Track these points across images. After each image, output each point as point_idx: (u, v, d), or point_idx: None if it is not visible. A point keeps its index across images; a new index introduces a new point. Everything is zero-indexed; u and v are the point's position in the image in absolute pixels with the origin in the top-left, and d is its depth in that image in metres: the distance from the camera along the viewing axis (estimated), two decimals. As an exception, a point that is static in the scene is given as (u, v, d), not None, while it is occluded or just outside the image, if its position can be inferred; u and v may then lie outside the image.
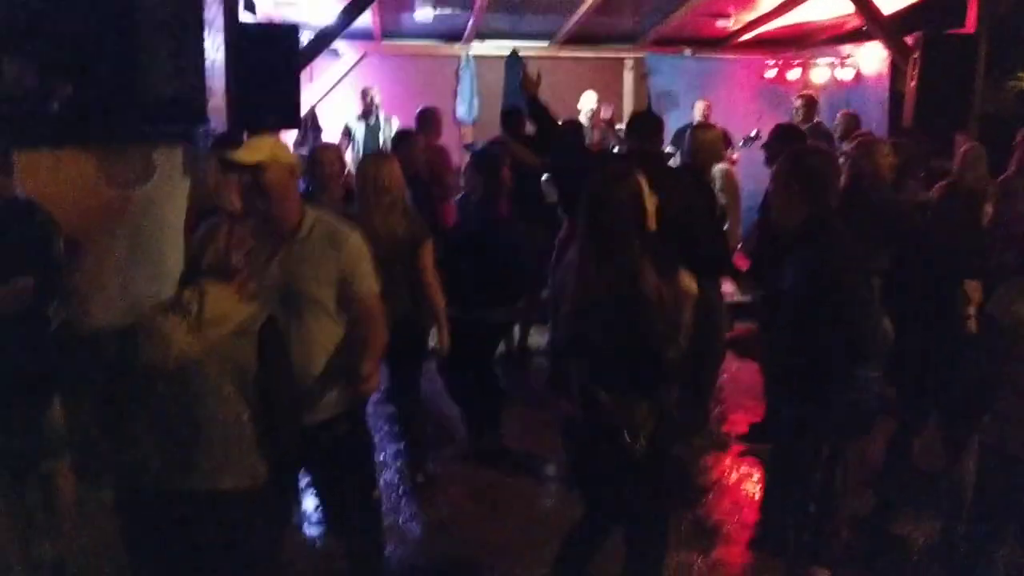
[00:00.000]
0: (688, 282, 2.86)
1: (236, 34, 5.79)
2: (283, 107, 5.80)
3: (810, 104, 7.95)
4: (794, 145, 4.78)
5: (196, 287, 2.53)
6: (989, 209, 4.86)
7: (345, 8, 6.81)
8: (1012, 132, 5.57)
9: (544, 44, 10.53)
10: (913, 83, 6.71)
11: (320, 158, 4.77)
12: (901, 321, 3.50)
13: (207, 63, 5.70)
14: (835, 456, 3.18)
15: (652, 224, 2.86)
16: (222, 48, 5.91)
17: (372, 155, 4.76)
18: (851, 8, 7.62)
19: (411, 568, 3.93)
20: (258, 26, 6.35)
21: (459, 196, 5.80)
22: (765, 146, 5.32)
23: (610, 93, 10.88)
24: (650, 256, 2.81)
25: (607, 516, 3.19)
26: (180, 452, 2.46)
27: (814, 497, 3.35)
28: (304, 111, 7.51)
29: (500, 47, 10.42)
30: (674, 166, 6.38)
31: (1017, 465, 2.96)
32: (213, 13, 5.67)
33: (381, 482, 4.50)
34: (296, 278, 2.97)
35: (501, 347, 5.96)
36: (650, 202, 2.86)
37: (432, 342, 4.50)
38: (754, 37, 10.15)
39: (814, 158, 3.19)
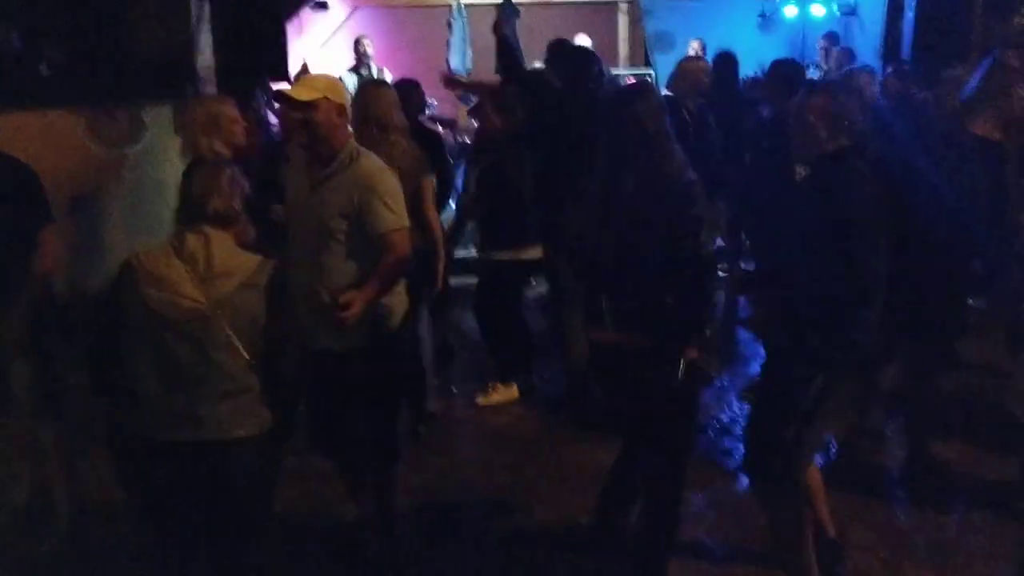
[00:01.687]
0: None
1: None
2: (272, 61, 5.75)
3: (834, 42, 7.87)
4: (794, 79, 4.79)
5: (200, 234, 2.51)
6: None
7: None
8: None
9: (537, -11, 10.36)
10: (911, 13, 6.61)
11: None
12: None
13: (192, 20, 5.67)
14: (823, 389, 3.18)
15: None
16: (207, 5, 5.85)
17: (367, 85, 4.69)
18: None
19: (416, 516, 3.91)
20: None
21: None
22: (765, 83, 5.26)
23: (605, 38, 10.76)
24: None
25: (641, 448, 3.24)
26: (189, 403, 2.47)
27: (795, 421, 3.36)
28: (297, 66, 7.46)
29: (492, -6, 10.27)
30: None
31: None
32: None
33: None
34: (322, 210, 3.09)
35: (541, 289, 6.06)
36: None
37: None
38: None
39: (828, 95, 3.15)
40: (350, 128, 3.35)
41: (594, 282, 3.12)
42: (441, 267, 4.39)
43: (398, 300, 3.32)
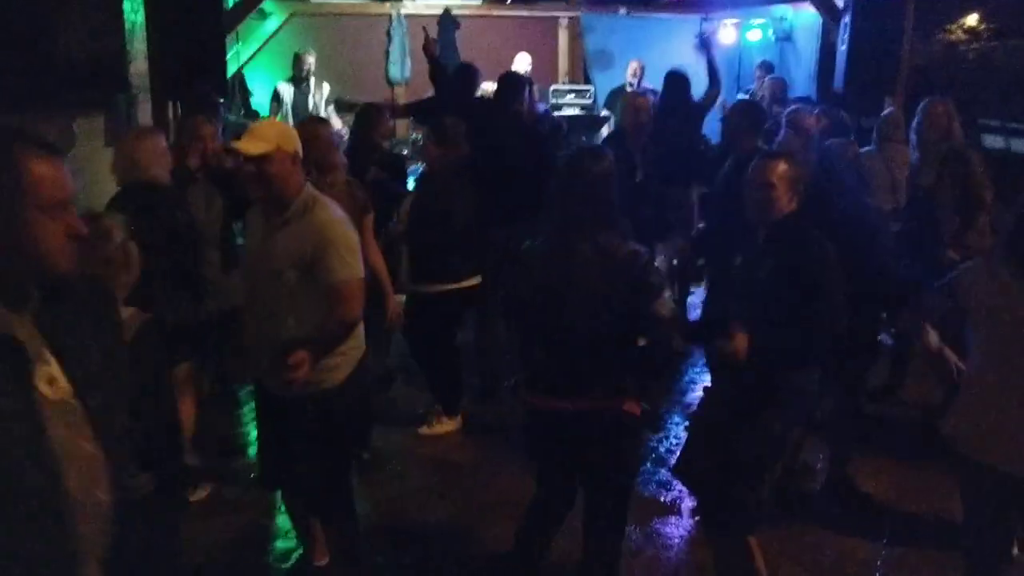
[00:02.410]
0: None
1: (158, -2, 5.55)
2: (210, 72, 5.60)
3: (768, 69, 8.05)
4: (757, 122, 4.89)
5: None
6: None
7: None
8: (939, 81, 5.72)
9: (477, 2, 10.37)
10: (844, 47, 6.79)
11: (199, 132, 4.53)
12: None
13: (126, 26, 5.48)
14: (771, 438, 3.26)
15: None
16: (142, 11, 5.68)
17: (306, 123, 4.64)
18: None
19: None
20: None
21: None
22: (725, 119, 5.32)
23: (545, 53, 10.80)
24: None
25: (571, 489, 3.25)
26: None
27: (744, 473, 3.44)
28: (231, 73, 7.30)
29: (431, 5, 10.23)
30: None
31: None
32: (131, -27, 5.44)
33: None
34: (275, 258, 3.03)
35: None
36: None
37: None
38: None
39: (791, 160, 3.20)
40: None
41: (531, 341, 3.09)
42: (390, 303, 4.42)
43: (353, 349, 3.23)
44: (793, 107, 5.43)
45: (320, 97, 8.18)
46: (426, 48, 6.24)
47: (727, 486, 3.16)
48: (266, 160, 2.95)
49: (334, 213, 3.12)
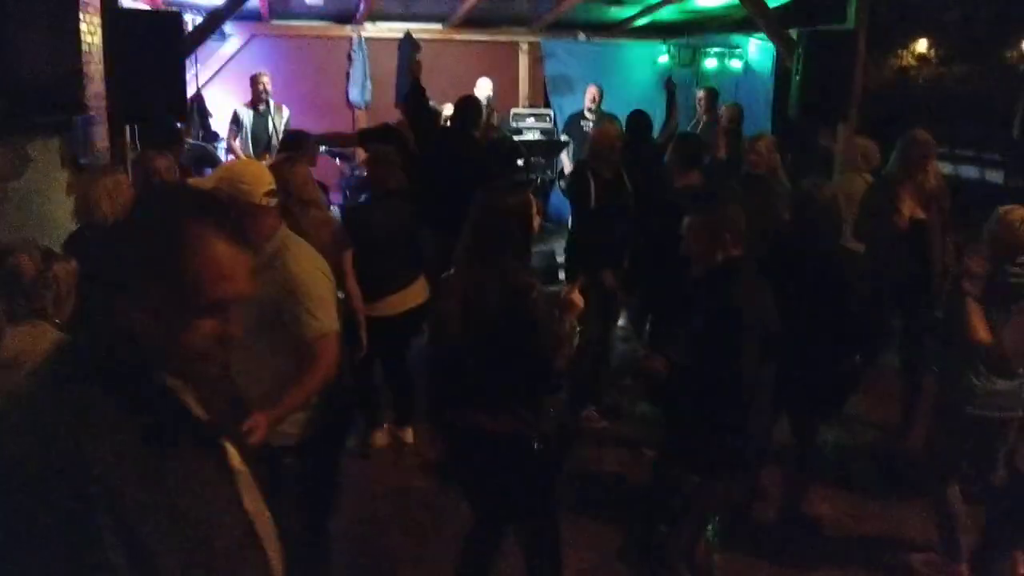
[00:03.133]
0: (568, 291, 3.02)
1: (115, 19, 5.50)
2: (169, 96, 5.55)
3: (711, 96, 8.16)
4: (696, 162, 5.02)
5: None
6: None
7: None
8: (892, 105, 5.83)
9: (438, 27, 10.42)
10: (797, 76, 6.93)
11: (152, 167, 4.49)
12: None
13: (84, 48, 5.43)
14: (703, 489, 3.34)
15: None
16: (99, 33, 5.63)
17: (283, 163, 4.60)
18: (739, -1, 7.82)
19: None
20: (139, 12, 6.05)
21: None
22: (670, 155, 5.37)
23: (506, 77, 10.89)
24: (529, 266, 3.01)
25: (504, 520, 3.26)
26: None
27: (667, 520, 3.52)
28: (189, 95, 7.24)
29: (393, 29, 10.25)
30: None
31: None
32: (89, -4, 5.39)
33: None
34: (245, 310, 2.87)
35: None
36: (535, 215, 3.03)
37: None
38: (648, 23, 10.29)
39: (726, 213, 3.27)
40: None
41: (451, 368, 3.08)
42: (363, 332, 4.45)
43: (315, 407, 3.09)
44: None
45: (280, 120, 8.10)
46: (412, 70, 6.49)
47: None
48: None
49: (305, 263, 2.98)
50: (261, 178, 2.89)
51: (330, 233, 4.14)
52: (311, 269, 2.98)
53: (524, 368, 2.91)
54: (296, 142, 5.37)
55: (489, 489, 3.15)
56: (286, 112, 8.24)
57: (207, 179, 2.95)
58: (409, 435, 5.11)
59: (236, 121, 8.02)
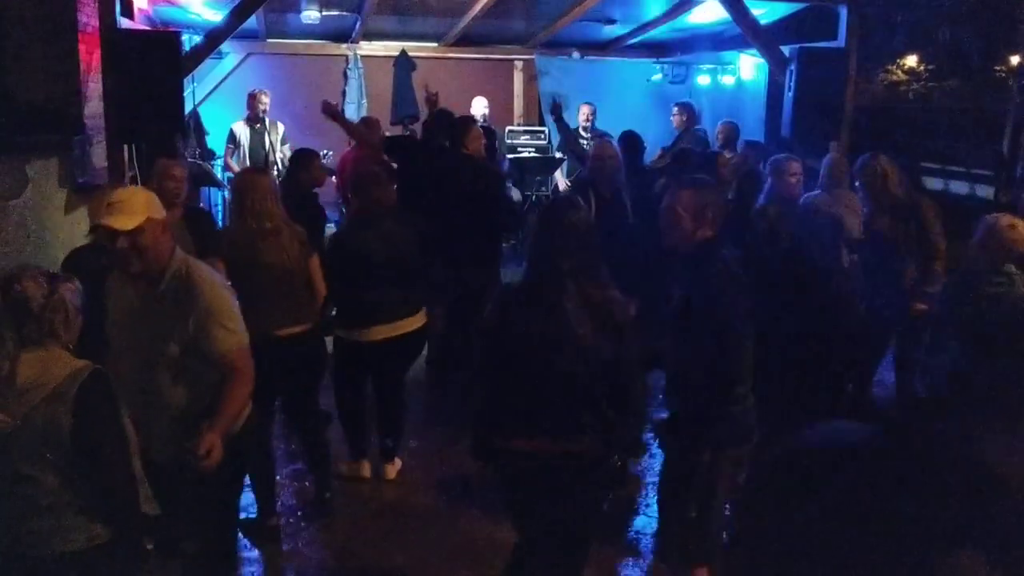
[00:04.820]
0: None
1: (113, 40, 5.55)
2: (167, 115, 5.59)
3: (687, 111, 8.22)
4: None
5: (3, 346, 2.38)
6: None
7: (232, 10, 6.60)
8: (882, 122, 5.89)
9: (433, 45, 10.50)
10: (790, 93, 7.01)
11: (169, 174, 4.54)
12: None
13: (81, 69, 5.46)
14: (713, 464, 3.33)
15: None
16: (97, 54, 5.67)
17: (244, 173, 4.56)
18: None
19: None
20: (137, 32, 6.09)
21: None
22: (666, 170, 5.42)
23: (500, 94, 10.97)
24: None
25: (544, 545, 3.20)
26: (10, 524, 2.40)
27: (696, 502, 3.50)
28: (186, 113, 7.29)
29: (388, 48, 10.34)
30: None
31: None
32: (87, 17, 5.43)
33: (279, 504, 4.43)
34: (154, 332, 2.93)
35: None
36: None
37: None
38: (641, 41, 10.38)
39: (712, 191, 3.32)
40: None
41: (513, 389, 3.02)
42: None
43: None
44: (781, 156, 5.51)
45: (276, 137, 8.18)
46: (430, 100, 6.50)
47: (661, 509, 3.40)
48: (139, 233, 2.84)
49: (208, 279, 3.03)
50: (93, 214, 2.96)
51: (297, 244, 4.17)
52: (217, 284, 3.05)
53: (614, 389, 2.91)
54: (302, 160, 5.37)
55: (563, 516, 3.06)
56: (281, 128, 8.32)
57: (123, 208, 2.91)
58: (392, 471, 4.88)
59: (233, 139, 8.09)
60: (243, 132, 8.07)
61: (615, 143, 5.52)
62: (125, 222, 2.82)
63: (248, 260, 4.04)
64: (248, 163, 8.01)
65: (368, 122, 7.35)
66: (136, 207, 2.87)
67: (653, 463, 5.17)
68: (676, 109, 8.35)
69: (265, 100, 8.08)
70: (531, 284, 3.02)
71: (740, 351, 3.16)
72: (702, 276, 3.15)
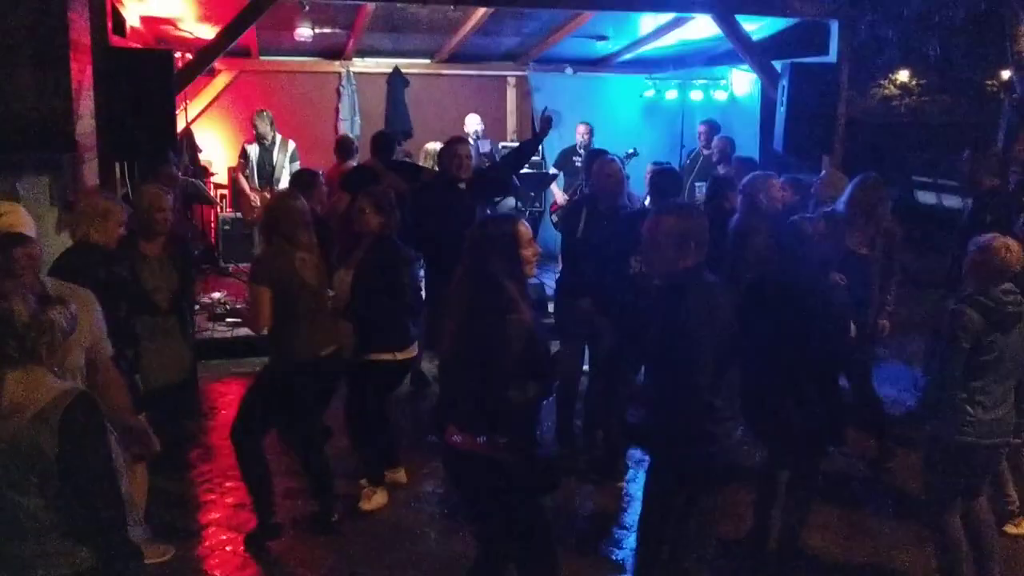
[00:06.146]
0: None
1: (105, 57, 5.54)
2: (159, 132, 5.58)
3: (713, 129, 8.22)
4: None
5: None
6: None
7: (224, 29, 6.59)
8: (874, 136, 5.90)
9: (426, 61, 10.53)
10: (782, 108, 7.03)
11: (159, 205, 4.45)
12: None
13: (74, 87, 5.45)
14: (688, 504, 3.30)
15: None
16: (89, 71, 5.66)
17: (281, 197, 4.52)
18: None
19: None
20: (129, 51, 6.10)
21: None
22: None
23: (493, 111, 11.00)
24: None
25: (506, 552, 3.24)
26: None
27: (671, 542, 3.46)
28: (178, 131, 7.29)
29: (381, 64, 10.37)
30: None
31: None
32: (79, 35, 5.42)
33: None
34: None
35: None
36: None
37: None
38: (633, 57, 10.41)
39: (696, 221, 3.27)
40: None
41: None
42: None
43: None
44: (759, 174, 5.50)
45: (285, 155, 8.36)
46: (544, 122, 6.36)
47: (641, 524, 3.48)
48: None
49: (80, 294, 3.21)
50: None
51: (317, 273, 4.25)
52: (89, 301, 3.24)
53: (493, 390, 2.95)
54: (302, 183, 5.33)
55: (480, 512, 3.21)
56: (291, 145, 8.53)
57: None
58: (376, 500, 4.75)
59: (244, 156, 8.46)
60: (253, 150, 8.36)
61: (617, 160, 5.47)
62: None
63: (292, 284, 4.09)
64: (256, 180, 8.37)
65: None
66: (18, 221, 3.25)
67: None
68: (703, 127, 8.39)
69: (259, 124, 8.34)
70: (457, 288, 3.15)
71: (710, 384, 3.12)
72: (681, 306, 3.09)
